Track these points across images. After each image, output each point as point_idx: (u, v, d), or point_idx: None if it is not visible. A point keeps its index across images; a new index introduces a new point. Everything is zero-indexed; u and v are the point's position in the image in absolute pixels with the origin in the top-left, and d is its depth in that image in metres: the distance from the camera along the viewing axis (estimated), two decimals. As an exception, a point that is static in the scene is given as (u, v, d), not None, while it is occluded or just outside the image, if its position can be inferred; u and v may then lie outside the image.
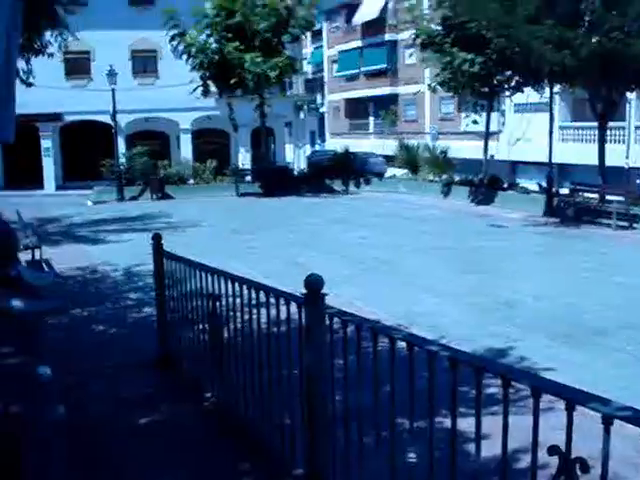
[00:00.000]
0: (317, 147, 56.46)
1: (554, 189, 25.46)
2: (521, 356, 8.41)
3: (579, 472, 2.50)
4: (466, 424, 3.33)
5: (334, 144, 49.25)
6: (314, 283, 3.99)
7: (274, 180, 32.62)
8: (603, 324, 10.29)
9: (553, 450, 2.57)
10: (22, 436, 2.49)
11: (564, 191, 26.32)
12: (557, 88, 26.41)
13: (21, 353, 3.04)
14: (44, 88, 29.53)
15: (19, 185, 35.38)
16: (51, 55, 13.52)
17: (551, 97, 25.24)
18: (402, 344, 3.39)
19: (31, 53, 13.10)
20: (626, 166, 27.07)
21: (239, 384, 5.36)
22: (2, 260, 2.27)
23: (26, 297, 2.23)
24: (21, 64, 14.01)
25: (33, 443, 2.46)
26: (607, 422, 2.40)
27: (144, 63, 38.50)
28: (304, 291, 4.08)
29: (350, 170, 34.44)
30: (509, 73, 25.75)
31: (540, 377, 2.89)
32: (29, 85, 14.62)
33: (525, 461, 4.68)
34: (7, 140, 2.10)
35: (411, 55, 42.02)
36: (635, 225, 20.89)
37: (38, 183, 36.63)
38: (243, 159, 37.36)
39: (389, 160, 38.54)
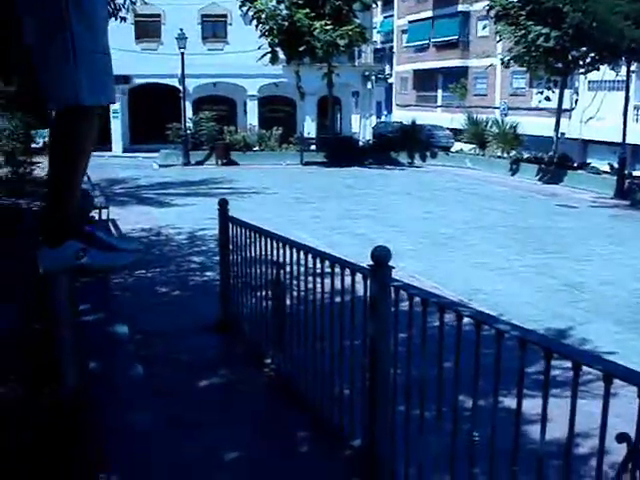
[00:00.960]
0: (383, 118, 55.98)
1: (626, 170, 24.77)
2: (585, 339, 8.25)
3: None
4: (528, 406, 3.27)
5: (400, 116, 48.74)
6: (381, 255, 3.95)
7: (339, 150, 32.51)
8: (672, 311, 10.02)
9: (622, 437, 2.50)
10: (100, 393, 2.54)
11: (637, 173, 25.61)
12: (634, 66, 25.57)
13: (97, 310, 3.10)
14: (114, 50, 29.88)
15: (89, 146, 36.02)
16: (124, 19, 13.55)
17: (628, 75, 24.45)
18: (468, 320, 3.34)
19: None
20: (703, 149, 26.18)
21: (300, 352, 5.37)
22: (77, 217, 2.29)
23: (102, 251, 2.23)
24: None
25: (114, 406, 2.51)
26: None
27: (213, 28, 38.62)
28: (370, 262, 4.05)
29: (416, 142, 34.07)
30: (585, 49, 25.03)
31: (612, 362, 2.81)
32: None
33: (588, 447, 4.61)
34: (113, 101, 2.11)
35: (484, 27, 41.16)
36: None
37: (106, 144, 37.29)
38: (308, 128, 37.30)
39: (456, 134, 38.00)
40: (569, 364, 2.78)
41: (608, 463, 2.75)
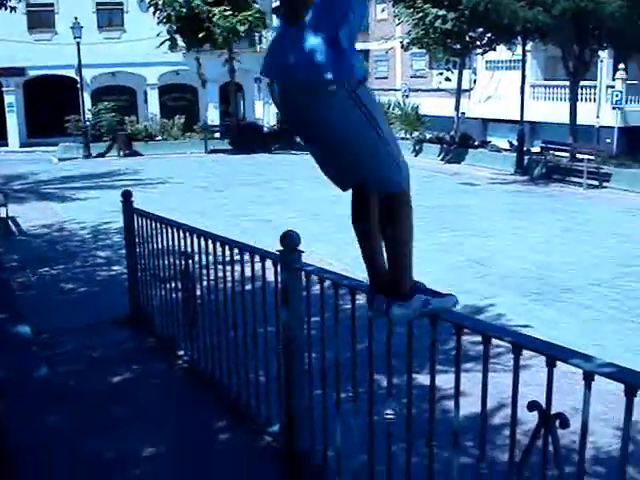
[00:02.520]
0: (287, 104, 55.87)
1: (525, 147, 25.53)
2: (493, 313, 8.48)
3: (558, 427, 2.50)
4: (442, 381, 3.32)
5: (304, 101, 48.71)
6: (290, 240, 3.93)
7: (243, 137, 32.30)
8: (573, 282, 10.40)
9: (533, 405, 2.55)
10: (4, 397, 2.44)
11: (535, 149, 26.43)
12: (529, 46, 26.34)
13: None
14: (6, 42, 28.88)
15: (-18, 141, 34.73)
16: (13, 9, 13.05)
17: (523, 54, 25.18)
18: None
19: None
20: (596, 125, 27.16)
21: (213, 342, 5.31)
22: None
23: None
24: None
25: (19, 404, 2.41)
26: (589, 378, 2.39)
27: (109, 16, 37.66)
28: (280, 248, 4.02)
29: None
30: (481, 30, 25.60)
31: (520, 334, 2.87)
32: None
33: (500, 418, 4.74)
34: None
35: (383, 10, 41.53)
36: (605, 184, 21.06)
37: (1, 139, 35.95)
38: (212, 115, 36.91)
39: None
40: (480, 338, 2.83)
41: (522, 432, 2.81)
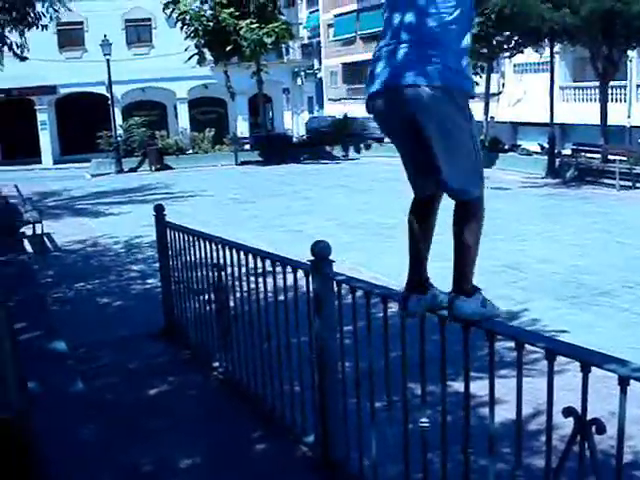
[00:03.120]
0: (315, 113, 56.06)
1: (556, 150, 25.32)
2: (528, 318, 8.41)
3: (595, 433, 2.48)
4: (477, 388, 3.31)
5: (333, 110, 48.86)
6: (321, 250, 3.94)
7: (273, 148, 32.46)
8: (608, 285, 10.28)
9: (568, 412, 2.54)
10: (39, 411, 2.48)
11: (566, 152, 26.20)
12: (557, 48, 26.14)
13: (33, 328, 3.02)
14: (38, 61, 29.31)
15: (16, 159, 35.29)
16: (45, 27, 13.31)
17: (551, 57, 24.98)
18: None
19: (24, 26, 12.89)
20: (628, 125, 26.87)
21: (247, 353, 5.34)
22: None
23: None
24: (14, 37, 13.82)
25: (54, 418, 2.45)
26: (624, 383, 2.37)
27: (138, 32, 38.14)
28: (311, 258, 4.04)
29: (349, 135, 34.24)
30: (508, 33, 25.47)
31: (554, 339, 2.85)
32: (24, 59, 14.45)
33: (536, 424, 4.70)
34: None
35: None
36: (638, 185, 20.80)
37: (36, 157, 36.51)
38: (241, 127, 37.16)
39: (388, 125, 38.16)
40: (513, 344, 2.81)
41: (559, 437, 2.79)
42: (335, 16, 52.79)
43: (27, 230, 13.98)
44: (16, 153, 36.15)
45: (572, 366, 2.74)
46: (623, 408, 2.39)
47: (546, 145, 25.55)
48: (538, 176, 23.85)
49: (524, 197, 20.04)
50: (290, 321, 4.62)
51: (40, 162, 36.56)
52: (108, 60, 31.14)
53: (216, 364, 6.19)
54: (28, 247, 13.34)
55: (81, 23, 36.22)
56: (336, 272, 4.02)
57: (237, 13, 30.24)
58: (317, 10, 57.88)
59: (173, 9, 31.16)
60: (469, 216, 3.01)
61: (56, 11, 13.32)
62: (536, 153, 27.08)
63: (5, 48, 13.77)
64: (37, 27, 13.23)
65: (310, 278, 4.15)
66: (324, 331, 4.04)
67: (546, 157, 24.89)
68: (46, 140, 37.24)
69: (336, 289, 3.96)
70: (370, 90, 2.78)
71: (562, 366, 2.93)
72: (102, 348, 7.33)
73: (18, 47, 13.90)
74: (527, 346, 2.80)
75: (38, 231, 13.85)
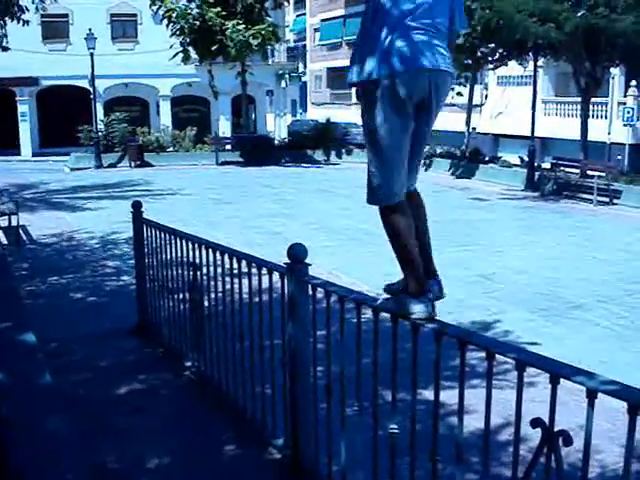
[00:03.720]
0: (299, 116, 56.12)
1: (536, 163, 25.52)
2: (501, 329, 8.46)
3: (561, 445, 2.50)
4: (447, 397, 3.32)
5: (316, 114, 48.94)
6: (297, 253, 3.94)
7: (255, 149, 32.42)
8: (582, 299, 10.37)
9: (536, 423, 2.55)
10: (4, 405, 2.46)
11: (546, 165, 26.41)
12: (541, 62, 26.38)
13: (3, 320, 2.99)
14: (20, 52, 29.09)
15: (-5, 150, 34.97)
16: (26, 22, 13.17)
17: (535, 70, 25.21)
18: (385, 315, 3.37)
19: (7, 17, 12.77)
20: (608, 141, 27.12)
21: (220, 354, 5.32)
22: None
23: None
24: (-3, 27, 13.71)
25: (23, 411, 2.43)
26: (592, 396, 2.39)
27: (123, 28, 37.97)
28: (287, 261, 4.04)
29: (331, 140, 34.30)
30: (493, 46, 25.65)
31: (525, 350, 2.87)
32: (5, 49, 14.31)
33: (505, 434, 4.73)
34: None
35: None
36: (615, 201, 21.02)
37: (14, 148, 36.18)
38: (223, 127, 37.08)
39: (370, 131, 38.28)
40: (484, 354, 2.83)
41: (528, 448, 2.80)
42: (322, 20, 52.91)
43: (2, 222, 13.86)
44: (-5, 144, 35.83)
45: (542, 378, 2.76)
46: (590, 421, 2.41)
47: (526, 158, 25.75)
48: (517, 188, 24.03)
49: (502, 208, 20.18)
50: (264, 323, 4.62)
51: (19, 154, 36.24)
52: (92, 54, 30.92)
53: (189, 363, 6.17)
54: (3, 239, 13.23)
55: (66, 15, 35.98)
56: (312, 276, 4.02)
57: (224, 13, 30.18)
58: (304, 14, 58.01)
59: (160, 6, 31.02)
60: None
61: (42, 1, 13.20)
62: (516, 165, 27.29)
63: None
64: (18, 21, 13.10)
65: (285, 281, 4.15)
66: (297, 334, 4.04)
67: (526, 170, 25.07)
68: (26, 132, 36.92)
69: (311, 293, 3.96)
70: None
71: (532, 378, 2.96)
72: (74, 343, 7.28)
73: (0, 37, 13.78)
74: (499, 357, 2.81)
75: (14, 223, 13.73)
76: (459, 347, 2.89)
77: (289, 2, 37.70)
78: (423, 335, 3.10)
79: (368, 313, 3.49)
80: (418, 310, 3.08)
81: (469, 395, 3.03)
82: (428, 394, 3.38)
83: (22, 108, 36.75)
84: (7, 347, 2.81)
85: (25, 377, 2.56)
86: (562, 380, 2.51)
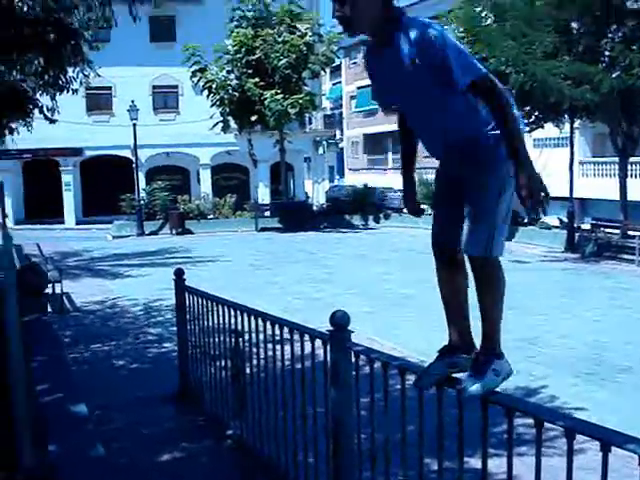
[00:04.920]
0: (336, 182, 56.63)
1: (575, 224, 25.33)
2: (546, 394, 8.30)
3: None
4: (495, 465, 3.26)
5: (353, 179, 49.40)
6: (340, 320, 3.95)
7: (293, 215, 32.72)
8: (628, 362, 10.14)
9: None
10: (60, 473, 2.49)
11: (585, 226, 26.18)
12: (577, 123, 26.40)
13: (55, 390, 3.04)
14: (66, 123, 29.95)
15: (40, 219, 35.80)
16: (75, 91, 13.66)
17: (571, 132, 25.21)
18: (430, 383, 3.34)
19: (56, 89, 13.25)
20: (647, 201, 26.90)
21: (262, 421, 5.30)
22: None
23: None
24: (45, 100, 14.17)
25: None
26: (645, 464, 2.34)
27: (165, 99, 39.01)
28: (329, 327, 4.05)
29: (369, 205, 34.50)
30: (528, 108, 25.76)
31: (573, 418, 2.83)
32: (53, 122, 14.79)
33: (555, 503, 4.60)
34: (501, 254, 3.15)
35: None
36: (658, 261, 20.69)
37: (58, 217, 37.01)
38: (262, 194, 37.56)
39: (408, 195, 38.47)
40: (532, 420, 2.79)
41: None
42: (358, 88, 53.75)
43: (47, 289, 14.08)
44: (40, 212, 36.67)
45: (591, 444, 2.71)
46: (644, 490, 2.36)
47: (565, 219, 25.57)
48: (558, 250, 23.82)
49: (543, 271, 19.97)
50: (306, 390, 4.60)
51: (63, 222, 37.03)
52: (135, 125, 31.78)
53: (230, 431, 6.14)
54: (48, 306, 13.43)
55: (109, 88, 37.09)
56: (354, 342, 4.02)
57: (262, 83, 30.89)
58: (340, 82, 59.03)
59: (200, 77, 31.90)
60: (483, 277, 3.10)
61: (86, 76, 13.66)
62: (555, 227, 27.09)
63: (36, 110, 14.10)
64: (68, 91, 13.58)
65: (328, 347, 4.15)
66: (340, 401, 4.02)
67: (565, 231, 24.87)
68: (69, 201, 37.79)
69: (354, 360, 3.95)
70: None
71: (581, 445, 2.89)
72: (117, 410, 7.30)
73: (48, 110, 14.24)
74: (545, 423, 2.77)
75: (58, 290, 13.94)
76: (506, 414, 2.86)
77: (325, 71, 38.48)
78: (468, 402, 3.07)
79: (411, 379, 3.47)
80: (510, 370, 3.12)
81: (517, 463, 2.98)
82: (475, 462, 3.33)
83: (66, 178, 37.70)
84: (61, 418, 2.86)
85: (77, 448, 2.59)
86: (612, 448, 2.46)
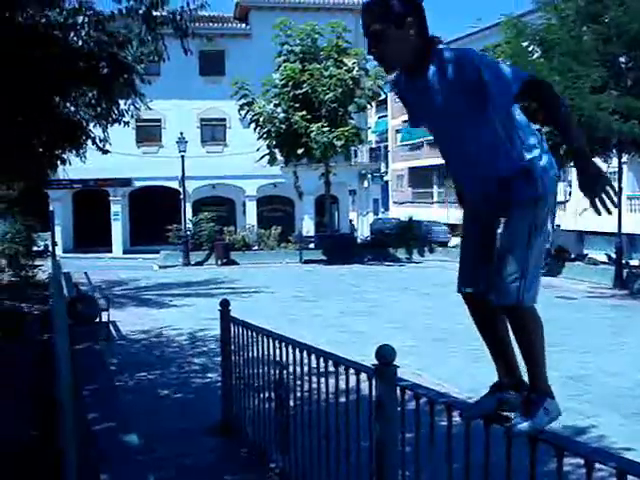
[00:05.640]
0: (381, 215, 56.64)
1: (624, 260, 24.89)
2: (595, 434, 8.12)
3: None
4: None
5: (398, 212, 49.36)
6: (386, 354, 3.94)
7: (337, 248, 32.76)
8: (679, 402, 9.88)
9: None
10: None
11: (634, 262, 25.72)
12: (625, 158, 26.08)
13: (107, 419, 3.09)
14: (116, 155, 30.55)
15: (88, 248, 36.40)
16: (127, 124, 13.99)
17: (620, 167, 24.88)
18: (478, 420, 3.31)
19: (109, 121, 13.58)
20: (698, 238, 26.40)
21: (305, 455, 5.28)
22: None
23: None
24: (98, 132, 14.51)
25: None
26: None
27: (213, 131, 39.59)
28: (372, 360, 4.04)
29: (414, 238, 34.39)
30: (576, 143, 25.54)
31: (625, 459, 2.77)
32: (106, 152, 15.12)
33: None
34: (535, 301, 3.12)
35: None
36: None
37: (106, 246, 37.59)
38: (307, 226, 37.71)
39: (453, 229, 38.36)
40: (581, 461, 2.74)
41: None
42: (403, 122, 53.86)
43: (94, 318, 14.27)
44: (88, 241, 37.32)
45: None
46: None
47: (613, 255, 25.15)
48: (605, 286, 23.40)
49: (590, 307, 19.62)
50: (350, 424, 4.58)
51: (111, 251, 37.61)
52: (183, 157, 32.28)
53: (273, 464, 6.13)
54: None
55: (159, 120, 37.78)
56: (400, 377, 4.00)
57: (309, 117, 31.15)
58: (386, 116, 59.26)
59: (247, 110, 32.30)
60: (517, 325, 3.07)
61: (137, 109, 13.97)
62: (603, 263, 26.66)
63: (89, 142, 14.44)
64: (119, 123, 13.91)
65: (373, 382, 4.13)
66: (385, 437, 3.99)
67: (613, 267, 24.46)
68: (117, 230, 38.41)
69: (400, 395, 3.93)
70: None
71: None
72: (159, 440, 7.33)
73: (101, 141, 14.57)
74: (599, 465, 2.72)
75: (105, 319, 14.13)
76: (556, 454, 2.81)
77: (372, 105, 38.69)
78: (517, 441, 3.03)
79: (457, 417, 3.44)
80: (559, 410, 3.09)
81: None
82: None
83: (115, 208, 38.37)
84: (112, 447, 2.90)
85: (129, 479, 2.63)
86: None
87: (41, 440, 4.10)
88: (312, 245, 34.74)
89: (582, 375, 11.44)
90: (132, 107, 13.71)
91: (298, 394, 5.57)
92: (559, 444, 2.84)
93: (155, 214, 36.69)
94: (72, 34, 10.99)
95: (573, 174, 34.85)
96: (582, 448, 3.03)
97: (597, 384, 10.95)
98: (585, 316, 18.02)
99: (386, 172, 59.44)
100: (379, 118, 62.61)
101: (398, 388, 3.93)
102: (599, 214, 2.69)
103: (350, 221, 41.72)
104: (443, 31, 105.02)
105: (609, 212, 2.67)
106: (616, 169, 25.39)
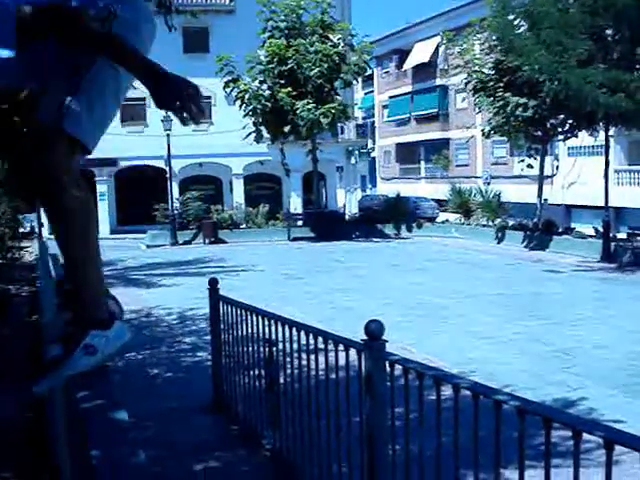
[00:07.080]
0: (368, 191, 56.61)
1: (611, 233, 25.00)
2: (583, 406, 8.19)
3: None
4: (531, 477, 3.23)
5: (385, 189, 49.34)
6: (375, 329, 3.95)
7: (326, 224, 32.77)
8: (666, 373, 9.97)
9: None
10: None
11: (621, 235, 25.85)
12: (612, 131, 26.12)
13: (97, 397, 3.08)
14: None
15: (76, 229, 36.17)
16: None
17: (607, 140, 24.93)
18: (465, 392, 3.32)
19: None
20: (685, 210, 26.56)
21: (296, 431, 5.30)
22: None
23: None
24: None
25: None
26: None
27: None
28: (363, 337, 4.05)
29: (402, 214, 34.41)
30: (562, 117, 25.58)
31: (612, 428, 2.79)
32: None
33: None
34: (90, 151, 2.21)
35: (463, 100, 42.04)
36: (696, 270, 20.36)
37: (94, 227, 37.39)
38: (295, 203, 37.65)
39: (441, 205, 38.41)
40: (569, 432, 2.76)
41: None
42: (390, 97, 53.74)
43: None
44: (75, 223, 37.10)
45: (629, 457, 2.68)
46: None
47: (600, 228, 25.26)
48: (593, 260, 23.53)
49: (578, 281, 19.74)
50: (340, 400, 4.60)
51: (97, 232, 37.40)
52: (168, 135, 32.07)
53: (264, 441, 6.15)
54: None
55: (143, 99, 37.35)
56: (388, 352, 4.01)
57: (294, 93, 31.00)
58: (372, 91, 59.04)
59: (233, 88, 32.11)
60: None
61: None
62: (590, 236, 26.78)
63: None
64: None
65: (362, 357, 4.14)
66: (375, 412, 4.00)
67: (601, 241, 24.57)
68: (104, 210, 38.15)
69: (389, 369, 3.94)
70: None
71: (618, 456, 2.85)
72: (150, 419, 7.34)
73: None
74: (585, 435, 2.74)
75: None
76: (544, 425, 2.83)
77: (358, 81, 38.51)
78: (505, 413, 3.04)
79: (447, 390, 3.46)
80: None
81: (552, 475, 2.94)
82: (509, 474, 3.29)
83: (101, 188, 38.12)
84: (103, 425, 2.90)
85: (119, 454, 2.62)
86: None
87: (36, 422, 4.11)
88: (300, 222, 34.71)
89: (570, 348, 11.52)
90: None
91: (288, 371, 5.58)
92: (546, 414, 2.85)
93: (142, 194, 36.47)
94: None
95: (561, 148, 34.95)
96: (568, 418, 3.05)
97: (585, 357, 11.04)
98: (573, 289, 18.13)
99: (373, 148, 59.32)
100: (365, 94, 62.35)
101: (387, 362, 3.94)
102: (184, 124, 2.24)
103: (341, 203, 41.67)
104: (428, 5, 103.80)
105: (197, 122, 2.18)
106: (603, 142, 25.45)
